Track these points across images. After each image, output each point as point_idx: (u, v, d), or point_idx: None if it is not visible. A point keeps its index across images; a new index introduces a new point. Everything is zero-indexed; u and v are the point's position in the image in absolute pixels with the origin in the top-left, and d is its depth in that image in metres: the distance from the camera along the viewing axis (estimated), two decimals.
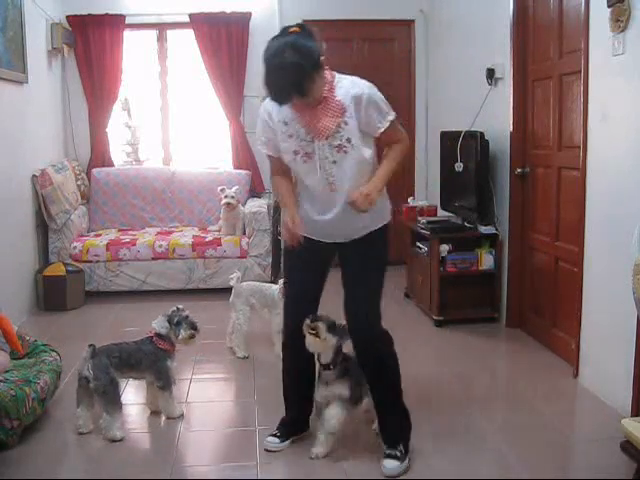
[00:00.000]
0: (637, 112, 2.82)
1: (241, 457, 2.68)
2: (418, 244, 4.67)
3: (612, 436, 2.56)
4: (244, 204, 5.52)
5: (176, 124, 6.16)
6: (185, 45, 5.95)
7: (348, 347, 2.61)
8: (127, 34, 5.76)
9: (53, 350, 3.25)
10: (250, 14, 5.75)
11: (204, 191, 5.77)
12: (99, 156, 5.87)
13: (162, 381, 2.94)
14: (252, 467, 2.58)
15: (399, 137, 2.50)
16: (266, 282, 4.28)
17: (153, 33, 5.97)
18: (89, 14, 5.61)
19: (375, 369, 2.54)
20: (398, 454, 2.51)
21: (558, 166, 3.72)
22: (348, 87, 2.39)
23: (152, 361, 2.93)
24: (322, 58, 2.29)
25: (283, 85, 2.25)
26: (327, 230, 2.54)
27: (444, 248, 4.27)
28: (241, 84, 5.82)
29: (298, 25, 2.31)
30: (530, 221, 4.11)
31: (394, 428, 2.59)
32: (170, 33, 5.97)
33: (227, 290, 3.96)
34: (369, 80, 2.45)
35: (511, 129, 4.13)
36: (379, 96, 2.41)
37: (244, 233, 5.30)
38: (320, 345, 2.53)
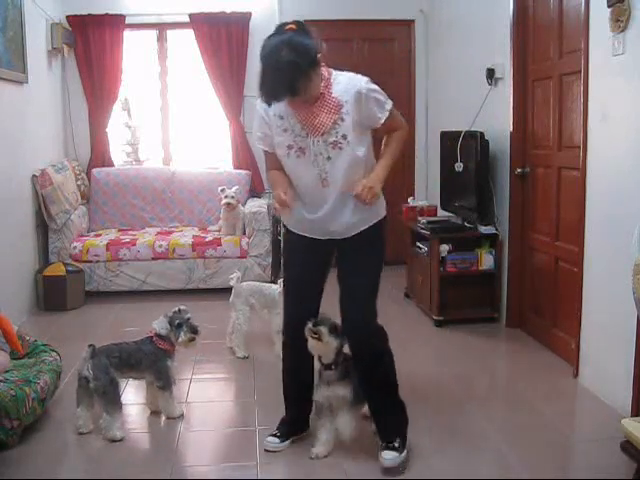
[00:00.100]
0: (637, 112, 2.82)
1: (241, 457, 2.68)
2: (418, 244, 4.67)
3: (612, 436, 2.56)
4: (244, 204, 5.52)
5: (176, 124, 6.16)
6: (185, 45, 5.95)
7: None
8: (127, 34, 5.76)
9: (53, 350, 3.25)
10: (250, 14, 5.75)
11: (204, 191, 5.77)
12: (99, 156, 5.87)
13: (162, 381, 2.94)
14: (252, 467, 2.58)
15: (398, 124, 2.53)
16: (266, 282, 4.28)
17: (153, 33, 5.97)
18: (89, 14, 5.62)
19: (370, 365, 2.54)
20: (396, 445, 2.51)
21: (558, 166, 3.72)
22: (345, 84, 2.40)
23: (152, 361, 2.93)
24: (319, 55, 2.30)
25: (280, 84, 2.25)
26: (321, 227, 2.54)
27: (444, 248, 4.27)
28: (241, 84, 5.82)
29: (294, 22, 2.30)
30: (530, 221, 4.11)
31: (389, 424, 2.58)
32: (170, 33, 5.98)
33: (227, 290, 3.96)
34: None
35: (511, 129, 4.13)
36: (376, 88, 2.43)
37: (244, 233, 5.30)
38: (322, 348, 2.54)
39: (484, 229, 4.32)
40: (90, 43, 5.66)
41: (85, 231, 5.51)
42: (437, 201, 5.03)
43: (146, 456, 2.76)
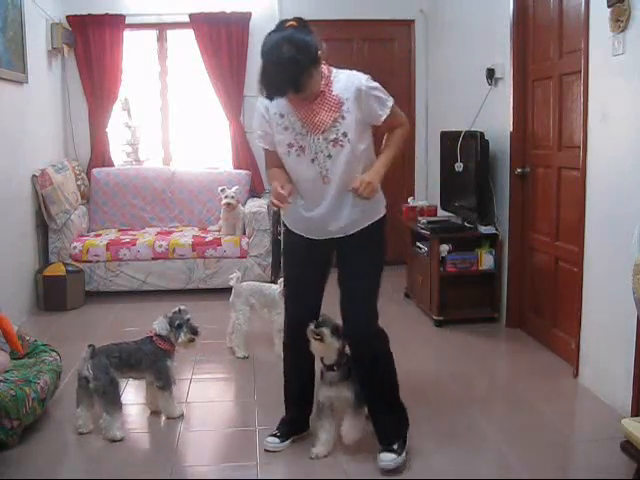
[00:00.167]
0: (637, 112, 2.82)
1: (241, 457, 2.68)
2: (418, 244, 4.67)
3: (612, 436, 2.56)
4: (244, 204, 5.52)
5: (176, 124, 6.16)
6: (185, 45, 5.94)
7: None
8: (127, 34, 5.76)
9: (53, 350, 3.25)
10: (250, 14, 5.75)
11: (204, 191, 5.77)
12: (99, 156, 5.87)
13: (162, 381, 2.94)
14: (252, 467, 2.58)
15: (400, 121, 2.52)
16: (266, 282, 4.28)
17: (153, 33, 5.97)
18: (89, 14, 5.61)
19: (370, 367, 2.54)
20: (395, 447, 2.51)
21: (558, 166, 3.72)
22: (345, 81, 2.39)
23: (152, 361, 2.93)
24: (320, 52, 2.29)
25: (280, 80, 2.25)
26: (320, 225, 2.53)
27: (444, 248, 4.27)
28: (241, 84, 5.82)
29: (295, 19, 2.31)
30: (530, 221, 4.11)
31: (389, 427, 2.58)
32: (170, 33, 5.97)
33: (227, 290, 3.96)
34: None
35: (511, 129, 4.13)
36: (377, 85, 2.43)
37: (244, 233, 5.30)
38: (325, 349, 2.54)
39: (484, 229, 4.32)
40: (90, 43, 5.66)
41: (85, 231, 5.51)
42: (437, 201, 5.03)
43: (146, 456, 2.76)
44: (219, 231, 5.41)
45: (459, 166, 4.38)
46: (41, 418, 2.91)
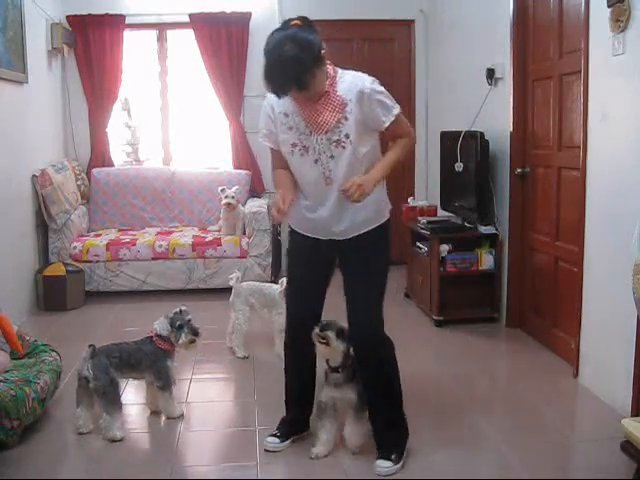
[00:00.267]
0: (637, 112, 2.82)
1: (241, 457, 2.68)
2: (418, 244, 4.67)
3: (612, 436, 2.56)
4: (244, 204, 5.52)
5: (176, 124, 6.16)
6: (185, 45, 5.94)
7: None
8: (127, 34, 5.75)
9: (53, 350, 3.25)
10: (250, 14, 5.75)
11: (204, 191, 5.77)
12: (99, 156, 5.87)
13: (162, 381, 2.94)
14: (252, 467, 2.58)
15: (405, 131, 2.49)
16: (266, 282, 4.28)
17: (153, 33, 5.97)
18: (89, 14, 5.61)
19: (373, 372, 2.53)
20: (392, 457, 2.51)
21: (558, 166, 3.72)
22: (350, 82, 2.37)
23: (152, 361, 2.93)
24: (323, 52, 2.29)
25: (283, 78, 2.25)
26: (323, 226, 2.53)
27: (444, 248, 4.27)
28: (241, 84, 5.82)
29: (299, 18, 2.30)
30: (530, 221, 4.11)
31: (388, 441, 2.57)
32: (170, 33, 5.97)
33: (227, 290, 3.96)
34: None
35: (511, 129, 4.13)
36: (382, 90, 2.39)
37: (244, 233, 5.30)
38: (330, 352, 2.54)
39: (484, 229, 4.32)
40: (90, 43, 5.66)
41: (85, 231, 5.51)
42: (437, 201, 5.03)
43: (146, 456, 2.76)
44: (219, 231, 5.41)
45: (459, 166, 4.38)
46: (41, 418, 2.91)
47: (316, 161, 2.43)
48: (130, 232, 5.50)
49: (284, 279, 3.49)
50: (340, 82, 2.38)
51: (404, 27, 6.09)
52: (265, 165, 5.95)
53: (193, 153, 6.25)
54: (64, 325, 4.47)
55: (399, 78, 6.01)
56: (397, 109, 2.41)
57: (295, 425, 2.75)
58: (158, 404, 3.01)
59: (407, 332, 4.19)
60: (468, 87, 4.82)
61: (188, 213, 5.79)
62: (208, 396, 3.34)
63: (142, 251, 5.09)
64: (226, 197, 5.23)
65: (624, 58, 2.88)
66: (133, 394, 3.28)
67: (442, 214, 4.92)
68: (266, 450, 2.68)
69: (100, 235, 5.38)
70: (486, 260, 4.33)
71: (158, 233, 5.42)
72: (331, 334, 2.50)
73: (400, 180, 5.95)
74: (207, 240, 5.20)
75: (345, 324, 2.56)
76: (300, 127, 2.42)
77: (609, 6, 2.91)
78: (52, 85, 5.49)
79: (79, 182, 5.55)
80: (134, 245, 5.11)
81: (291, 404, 2.78)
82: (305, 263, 2.63)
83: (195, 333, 2.97)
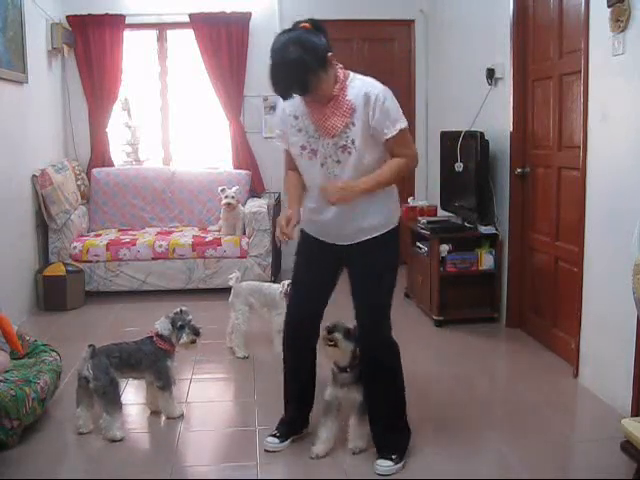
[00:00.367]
0: (637, 112, 2.82)
1: (241, 457, 2.67)
2: (418, 244, 4.67)
3: (612, 436, 2.56)
4: (244, 204, 5.52)
5: (176, 124, 6.16)
6: (185, 45, 5.94)
7: None
8: (127, 34, 5.76)
9: (53, 350, 3.25)
10: (250, 14, 5.75)
11: (204, 191, 5.77)
12: (99, 156, 5.87)
13: (162, 381, 2.94)
14: (252, 467, 2.58)
15: (404, 152, 2.40)
16: (266, 282, 4.28)
17: (153, 33, 5.97)
18: (89, 14, 5.62)
19: (379, 378, 2.53)
20: (393, 457, 2.51)
21: (558, 166, 3.72)
22: (360, 87, 2.35)
23: (152, 361, 2.93)
24: (329, 55, 2.28)
25: (286, 81, 2.25)
26: (328, 229, 2.53)
27: (444, 248, 4.27)
28: (241, 84, 5.83)
29: (308, 20, 2.30)
30: (530, 221, 4.11)
31: (389, 441, 2.56)
32: (170, 33, 5.98)
33: (227, 290, 3.96)
34: None
35: (511, 129, 4.13)
36: (391, 101, 2.34)
37: (244, 233, 5.30)
38: (339, 354, 2.55)
39: (484, 229, 4.32)
40: (90, 43, 5.66)
41: (85, 231, 5.51)
42: (437, 201, 5.03)
43: (146, 456, 2.76)
44: (219, 231, 5.41)
45: (459, 166, 4.38)
46: (41, 418, 2.91)
47: (322, 165, 2.42)
48: (130, 232, 5.50)
49: (286, 281, 3.49)
50: (350, 87, 2.36)
51: (404, 27, 6.09)
52: (265, 165, 5.96)
53: (193, 153, 6.25)
54: (64, 325, 4.47)
55: (399, 78, 6.01)
56: (402, 124, 2.35)
57: (294, 424, 2.75)
58: (158, 404, 3.01)
59: (407, 332, 4.17)
60: (468, 87, 4.82)
61: (188, 213, 5.79)
62: (208, 396, 3.34)
63: (142, 251, 5.09)
64: (226, 197, 5.23)
65: (624, 58, 2.88)
66: (133, 394, 3.28)
67: (442, 214, 4.92)
68: (266, 450, 2.67)
69: (100, 235, 5.38)
70: (486, 260, 4.33)
71: (158, 233, 5.42)
72: (339, 336, 2.50)
73: (400, 180, 5.94)
74: (207, 240, 5.20)
75: (349, 324, 2.56)
76: (309, 130, 2.42)
77: (609, 6, 2.91)
78: (52, 85, 5.49)
79: (79, 182, 5.55)
80: (134, 245, 5.11)
81: (290, 404, 2.78)
82: (311, 265, 2.63)
83: (196, 333, 2.98)
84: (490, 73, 4.32)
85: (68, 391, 3.10)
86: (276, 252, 5.41)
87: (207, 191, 5.75)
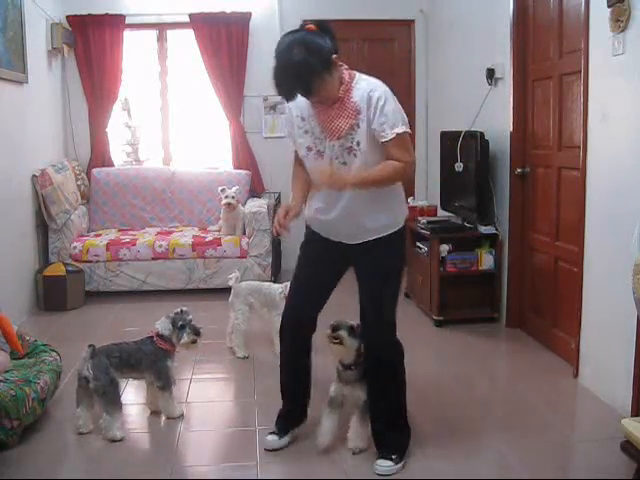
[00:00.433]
0: (637, 112, 2.82)
1: (241, 457, 2.68)
2: (418, 244, 4.67)
3: (612, 436, 2.56)
4: (244, 204, 5.52)
5: (176, 124, 6.16)
6: (185, 45, 5.95)
7: None
8: (127, 34, 5.76)
9: (53, 350, 3.25)
10: (250, 14, 5.75)
11: (204, 191, 5.77)
12: (99, 156, 5.87)
13: (162, 381, 2.94)
14: (252, 467, 2.58)
15: (401, 157, 2.34)
16: (266, 282, 4.27)
17: (153, 33, 5.97)
18: (89, 14, 5.62)
19: (382, 377, 2.54)
20: (393, 457, 2.51)
21: (558, 166, 3.72)
22: (365, 89, 2.34)
23: (152, 361, 2.93)
24: (334, 57, 2.27)
25: (290, 83, 2.25)
26: (333, 229, 2.54)
27: (444, 248, 4.27)
28: (241, 84, 5.83)
29: (315, 22, 2.29)
30: (530, 221, 4.11)
31: (389, 440, 2.56)
32: (170, 33, 5.98)
33: (227, 290, 3.96)
34: None
35: (511, 129, 4.13)
36: (392, 103, 2.32)
37: (244, 233, 5.30)
38: (344, 351, 2.56)
39: (484, 229, 4.32)
40: (90, 43, 5.66)
41: (85, 231, 5.51)
42: (437, 201, 5.03)
43: (146, 456, 2.76)
44: (219, 231, 5.41)
45: (459, 166, 4.38)
46: (41, 418, 2.91)
47: (328, 166, 2.41)
48: (130, 232, 5.50)
49: (288, 283, 3.49)
50: (356, 88, 2.35)
51: (404, 27, 6.10)
52: (265, 165, 5.96)
53: (193, 153, 6.25)
54: (64, 325, 4.47)
55: (399, 78, 6.01)
56: (402, 129, 2.31)
57: (291, 417, 2.75)
58: (158, 404, 3.01)
59: (407, 332, 4.12)
60: (468, 87, 4.82)
61: (188, 213, 5.79)
62: (208, 396, 3.34)
63: (142, 251, 5.09)
64: (226, 197, 5.23)
65: (624, 58, 2.88)
66: (133, 394, 3.27)
67: (442, 214, 4.92)
68: (266, 449, 2.67)
69: (100, 235, 5.38)
70: (486, 260, 4.33)
71: (158, 233, 5.42)
72: (343, 333, 2.52)
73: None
74: (207, 240, 5.20)
75: (352, 321, 2.57)
76: (315, 131, 2.42)
77: (609, 6, 2.91)
78: (52, 85, 5.49)
79: (79, 182, 5.55)
80: (134, 245, 5.11)
81: (286, 396, 2.78)
82: (315, 262, 2.63)
83: (197, 333, 2.98)
84: (490, 73, 4.32)
85: (68, 391, 3.10)
86: (276, 252, 5.41)
87: (207, 191, 5.75)
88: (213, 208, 5.69)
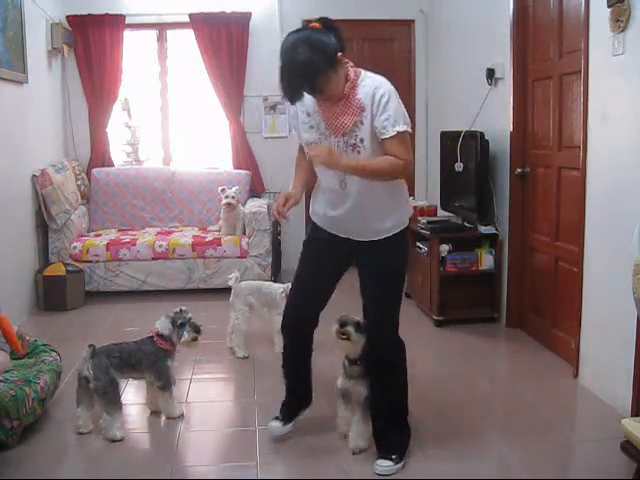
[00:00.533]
0: (637, 112, 2.82)
1: (241, 457, 2.68)
2: (418, 244, 4.67)
3: (612, 436, 2.57)
4: (244, 204, 5.52)
5: (176, 124, 6.16)
6: (185, 45, 5.94)
7: None
8: (127, 34, 5.76)
9: (53, 350, 3.25)
10: (250, 14, 5.74)
11: (204, 191, 5.77)
12: (99, 156, 5.87)
13: (162, 381, 2.94)
14: (252, 467, 2.58)
15: (400, 154, 2.32)
16: (266, 282, 4.27)
17: (153, 33, 5.97)
18: (89, 14, 5.62)
19: (383, 375, 2.55)
20: (393, 457, 2.52)
21: (558, 166, 3.72)
22: (370, 86, 2.34)
23: (152, 361, 2.93)
24: (339, 55, 2.27)
25: (295, 82, 2.24)
26: (339, 225, 2.54)
27: (444, 248, 4.27)
28: (241, 84, 5.82)
29: (319, 20, 2.30)
30: (530, 221, 4.11)
31: (390, 439, 2.57)
32: (170, 33, 5.97)
33: (227, 290, 3.96)
34: None
35: (511, 129, 4.13)
36: (395, 101, 2.31)
37: (244, 233, 5.30)
38: (351, 347, 2.58)
39: (484, 229, 4.33)
40: (90, 43, 5.66)
41: (85, 231, 5.51)
42: (437, 201, 5.03)
43: (146, 456, 2.76)
44: (219, 231, 5.41)
45: (459, 166, 4.38)
46: (41, 418, 2.91)
47: None
48: (130, 232, 5.50)
49: (289, 284, 3.49)
50: (361, 86, 2.35)
51: (404, 27, 6.09)
52: (265, 165, 5.96)
53: (193, 153, 6.25)
54: (64, 325, 4.47)
55: (399, 78, 5.96)
56: (402, 127, 2.29)
57: (294, 404, 2.78)
58: (158, 404, 3.02)
59: (407, 332, 4.12)
60: (468, 87, 4.82)
61: (188, 213, 5.79)
62: (208, 396, 3.34)
63: (142, 251, 5.09)
64: (226, 197, 5.23)
65: (624, 58, 2.88)
66: (133, 394, 3.27)
67: (442, 214, 4.92)
68: (270, 437, 2.70)
69: (100, 235, 5.38)
70: (486, 260, 4.33)
71: (158, 233, 5.42)
72: (351, 329, 2.53)
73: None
74: (207, 240, 5.20)
75: (357, 317, 2.59)
76: (320, 127, 2.42)
77: (609, 6, 2.91)
78: (52, 85, 5.49)
79: (79, 182, 5.55)
80: (134, 245, 5.11)
81: (288, 385, 2.80)
82: (315, 262, 2.63)
83: (197, 331, 2.98)
84: (490, 73, 4.32)
85: (68, 391, 3.10)
86: (276, 252, 5.41)
87: (207, 191, 5.75)
88: (213, 208, 5.69)
